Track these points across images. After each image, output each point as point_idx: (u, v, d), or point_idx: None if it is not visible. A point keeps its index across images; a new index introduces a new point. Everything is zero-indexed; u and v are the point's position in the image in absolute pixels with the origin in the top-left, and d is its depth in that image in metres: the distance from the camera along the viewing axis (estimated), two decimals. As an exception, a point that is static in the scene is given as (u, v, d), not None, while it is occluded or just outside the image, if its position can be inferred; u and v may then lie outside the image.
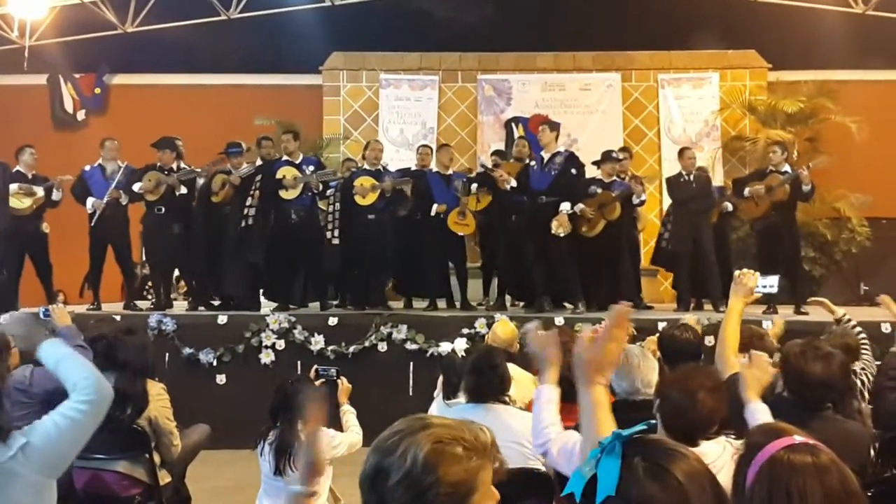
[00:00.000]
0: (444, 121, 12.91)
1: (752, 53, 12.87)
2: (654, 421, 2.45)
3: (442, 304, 8.23)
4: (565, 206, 7.33)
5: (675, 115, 12.74)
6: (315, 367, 4.35)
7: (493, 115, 12.84)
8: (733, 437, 3.28)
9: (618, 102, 12.79)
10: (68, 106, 13.72)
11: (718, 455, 2.34)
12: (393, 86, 12.96)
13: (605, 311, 7.51)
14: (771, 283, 3.32)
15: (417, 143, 12.37)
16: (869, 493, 2.61)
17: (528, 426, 3.23)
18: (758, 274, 3.27)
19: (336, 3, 12.81)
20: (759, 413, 2.60)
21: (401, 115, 12.88)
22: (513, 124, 12.66)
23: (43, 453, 2.28)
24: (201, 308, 8.03)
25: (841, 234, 11.49)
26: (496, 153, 9.30)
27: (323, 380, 4.21)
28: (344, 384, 4.16)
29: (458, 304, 8.17)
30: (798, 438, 1.58)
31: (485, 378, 3.32)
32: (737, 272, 3.32)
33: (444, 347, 4.22)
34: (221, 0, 12.61)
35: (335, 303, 8.29)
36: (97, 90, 13.72)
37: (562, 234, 7.32)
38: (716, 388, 2.54)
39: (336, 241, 7.63)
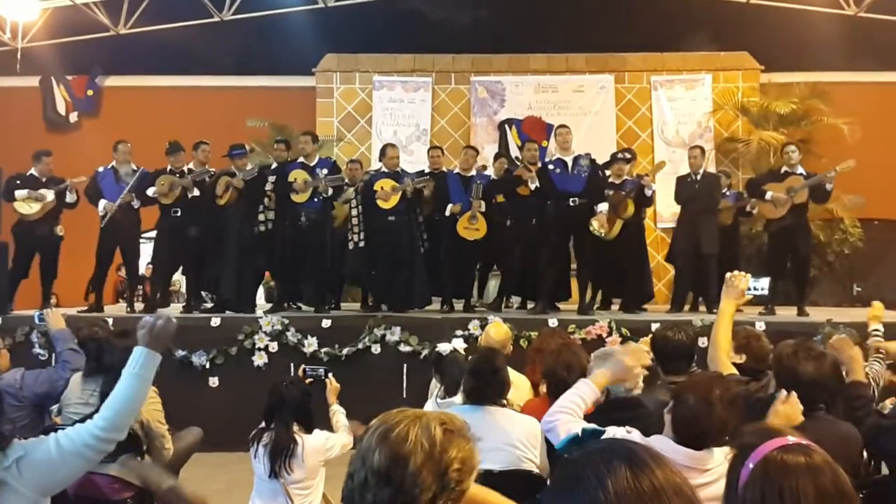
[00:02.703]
0: (438, 122, 12.91)
1: (744, 55, 12.91)
2: (600, 428, 2.50)
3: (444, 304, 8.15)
4: (604, 207, 7.51)
5: (668, 117, 12.77)
6: (303, 366, 4.30)
7: (486, 116, 12.84)
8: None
9: (611, 104, 12.82)
10: (60, 108, 13.67)
11: (721, 462, 2.32)
12: (386, 87, 12.95)
13: (635, 312, 7.71)
14: (762, 285, 3.32)
15: (411, 145, 12.45)
16: (861, 495, 2.62)
17: (522, 429, 3.23)
18: (749, 276, 3.27)
19: (329, 5, 12.81)
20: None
21: (394, 117, 12.86)
22: (506, 126, 12.67)
23: (37, 471, 2.13)
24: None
25: (834, 235, 11.55)
26: (499, 156, 9.27)
27: (311, 379, 4.17)
28: (332, 383, 4.10)
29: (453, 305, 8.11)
30: (791, 439, 1.57)
31: (484, 381, 3.32)
32: (728, 274, 3.31)
33: (445, 347, 4.18)
34: (214, 1, 12.60)
35: (358, 305, 8.25)
36: (90, 92, 13.67)
37: (603, 234, 7.49)
38: (733, 400, 2.49)
39: (362, 244, 7.54)
